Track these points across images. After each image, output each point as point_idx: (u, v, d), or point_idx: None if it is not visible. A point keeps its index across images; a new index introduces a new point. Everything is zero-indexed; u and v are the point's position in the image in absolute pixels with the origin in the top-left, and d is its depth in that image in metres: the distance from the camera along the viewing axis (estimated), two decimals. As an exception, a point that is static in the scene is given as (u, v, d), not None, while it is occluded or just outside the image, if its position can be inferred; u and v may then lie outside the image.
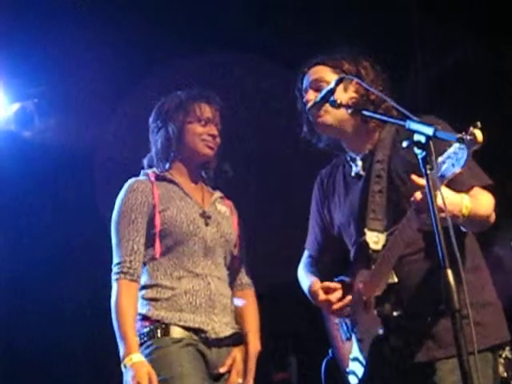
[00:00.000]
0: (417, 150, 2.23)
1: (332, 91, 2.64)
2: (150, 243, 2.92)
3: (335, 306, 2.80)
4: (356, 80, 2.79)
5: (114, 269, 2.90)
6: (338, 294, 2.80)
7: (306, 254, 3.15)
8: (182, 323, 2.82)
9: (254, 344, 2.98)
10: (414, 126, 2.26)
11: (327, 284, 2.83)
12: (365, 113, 2.58)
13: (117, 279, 2.87)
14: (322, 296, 2.82)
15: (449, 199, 2.38)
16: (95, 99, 4.67)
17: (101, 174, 4.81)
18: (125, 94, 4.67)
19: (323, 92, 2.69)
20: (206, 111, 3.05)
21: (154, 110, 3.14)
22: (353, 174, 2.89)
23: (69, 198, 4.92)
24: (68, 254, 4.93)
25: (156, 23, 4.59)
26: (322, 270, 3.07)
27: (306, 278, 3.03)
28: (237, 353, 2.92)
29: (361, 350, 2.81)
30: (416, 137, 2.23)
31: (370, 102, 2.77)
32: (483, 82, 4.60)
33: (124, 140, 4.73)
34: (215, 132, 3.05)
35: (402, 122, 2.34)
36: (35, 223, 4.93)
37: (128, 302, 2.81)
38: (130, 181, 3.03)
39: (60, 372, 4.89)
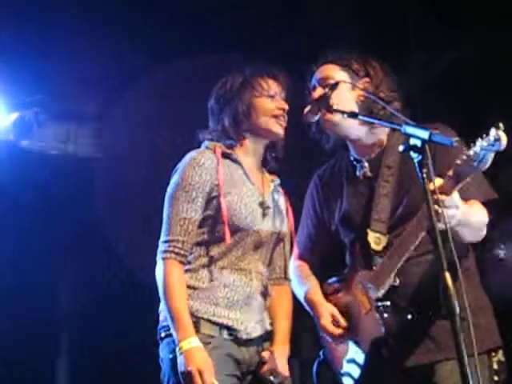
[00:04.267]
0: (413, 154, 2.25)
1: (327, 97, 2.65)
2: (208, 225, 2.75)
3: (338, 340, 2.85)
4: (364, 79, 2.82)
5: (163, 246, 2.71)
6: (341, 330, 2.84)
7: (295, 252, 3.11)
8: (214, 318, 2.70)
9: (283, 344, 2.83)
10: (409, 130, 2.29)
11: (336, 316, 2.85)
12: (360, 117, 2.59)
13: (165, 258, 2.69)
14: (329, 326, 2.84)
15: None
16: (93, 108, 4.69)
17: (99, 182, 4.82)
18: (123, 103, 4.68)
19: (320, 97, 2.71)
20: (274, 85, 2.87)
21: (213, 91, 2.93)
22: (358, 174, 2.89)
23: (68, 207, 4.92)
24: (67, 262, 4.95)
25: (155, 27, 4.59)
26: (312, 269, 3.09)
27: (303, 283, 3.03)
28: (270, 351, 2.79)
29: (358, 352, 2.82)
30: (412, 141, 2.25)
31: (377, 102, 2.75)
32: (479, 83, 4.61)
33: (122, 148, 4.75)
34: (285, 106, 2.85)
35: (397, 127, 2.36)
36: (34, 232, 4.93)
37: (180, 285, 2.67)
38: (194, 153, 2.81)
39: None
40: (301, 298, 3.02)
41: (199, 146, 2.90)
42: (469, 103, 4.50)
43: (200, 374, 2.56)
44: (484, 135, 2.25)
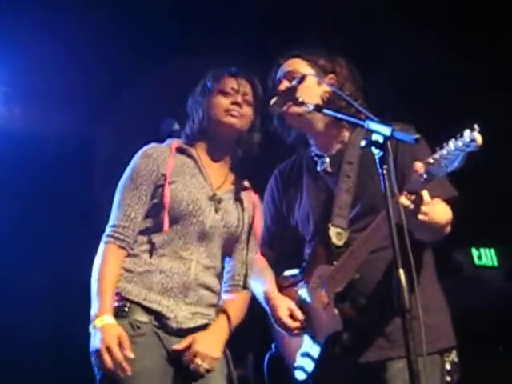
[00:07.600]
0: (374, 150, 2.25)
1: (294, 89, 2.64)
2: (153, 213, 2.81)
3: (294, 333, 2.82)
4: (330, 76, 2.83)
5: (107, 230, 2.80)
6: (298, 323, 2.81)
7: None
8: (145, 303, 2.70)
9: (214, 329, 2.80)
10: (372, 125, 2.29)
11: (293, 309, 2.82)
12: (325, 111, 2.59)
13: (106, 242, 2.77)
14: (285, 318, 2.81)
15: None
16: (61, 88, 4.66)
17: (65, 162, 4.81)
18: (90, 82, 4.68)
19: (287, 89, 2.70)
20: (230, 82, 2.94)
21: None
22: (319, 169, 2.90)
23: (33, 187, 4.90)
24: (37, 243, 4.94)
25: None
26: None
27: (258, 277, 3.00)
28: (197, 336, 2.74)
29: (313, 346, 2.81)
30: (374, 136, 2.26)
31: (342, 98, 2.74)
32: (451, 87, 4.64)
33: (89, 129, 4.74)
34: (238, 99, 2.91)
35: (361, 122, 2.36)
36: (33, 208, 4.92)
37: (112, 267, 2.71)
38: (148, 146, 2.92)
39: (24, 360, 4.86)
40: (255, 291, 2.99)
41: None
42: (439, 107, 4.53)
43: (108, 350, 2.54)
44: (458, 136, 2.23)
